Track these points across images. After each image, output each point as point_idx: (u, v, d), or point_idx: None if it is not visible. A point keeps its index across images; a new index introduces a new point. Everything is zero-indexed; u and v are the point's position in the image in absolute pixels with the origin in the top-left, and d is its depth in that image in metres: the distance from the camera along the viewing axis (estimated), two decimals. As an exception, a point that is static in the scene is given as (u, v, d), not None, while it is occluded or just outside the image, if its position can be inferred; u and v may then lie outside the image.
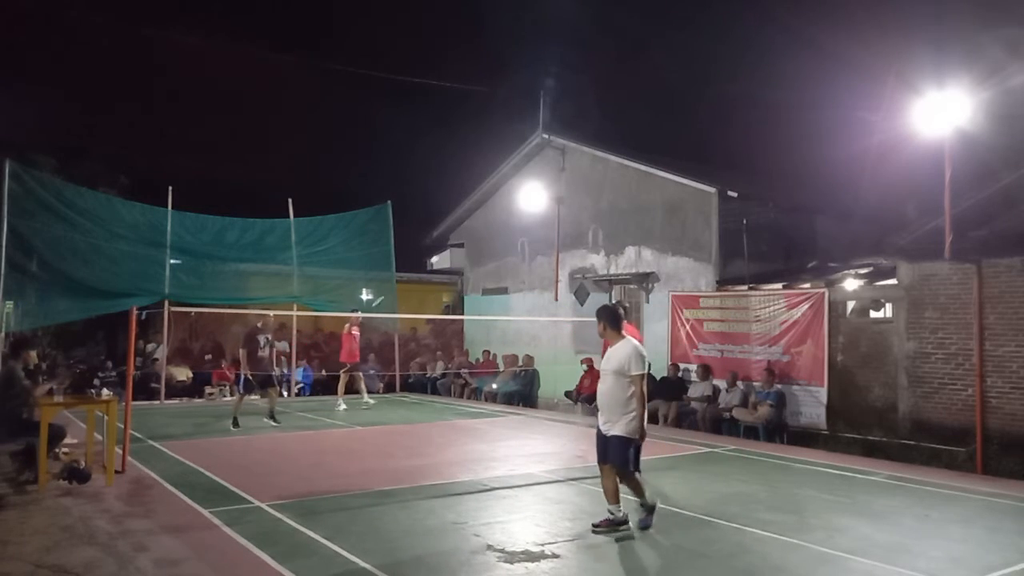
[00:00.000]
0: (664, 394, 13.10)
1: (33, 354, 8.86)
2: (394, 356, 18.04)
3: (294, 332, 16.78)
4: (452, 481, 7.90)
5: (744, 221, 13.75)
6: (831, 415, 11.57)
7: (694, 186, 14.42)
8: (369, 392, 16.45)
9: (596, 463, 6.27)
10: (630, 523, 6.04)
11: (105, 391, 8.92)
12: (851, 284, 12.10)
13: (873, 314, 11.85)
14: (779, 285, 13.01)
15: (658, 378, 13.55)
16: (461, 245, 20.78)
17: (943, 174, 9.60)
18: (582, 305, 15.66)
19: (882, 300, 11.67)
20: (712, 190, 14.07)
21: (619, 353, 5.99)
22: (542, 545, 5.68)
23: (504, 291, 19.16)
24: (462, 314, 20.42)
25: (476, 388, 17.12)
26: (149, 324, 17.15)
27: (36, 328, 14.48)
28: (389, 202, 17.71)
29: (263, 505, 6.67)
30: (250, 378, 11.82)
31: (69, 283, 13.63)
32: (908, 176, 13.54)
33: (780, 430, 11.68)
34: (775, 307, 12.53)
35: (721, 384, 12.79)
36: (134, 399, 11.01)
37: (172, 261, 15.11)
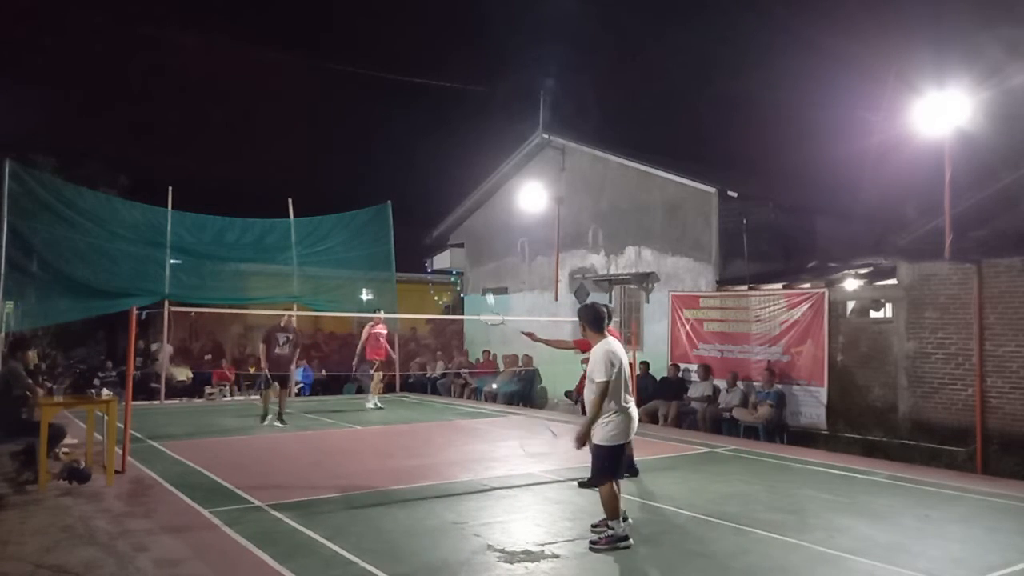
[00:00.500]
0: (664, 394, 13.11)
1: (32, 354, 8.86)
2: (394, 356, 18.04)
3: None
4: (452, 481, 7.90)
5: (744, 221, 13.74)
6: (831, 415, 11.57)
7: (694, 186, 14.42)
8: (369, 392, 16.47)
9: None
10: (631, 539, 5.63)
11: (105, 391, 8.93)
12: (851, 284, 12.11)
13: (873, 314, 11.85)
14: (779, 285, 13.01)
15: (658, 378, 13.58)
16: (461, 245, 20.78)
17: (943, 174, 9.60)
18: (581, 304, 15.64)
19: (882, 300, 11.67)
20: (712, 190, 14.06)
21: (592, 357, 5.71)
22: (542, 545, 5.67)
23: (504, 291, 19.17)
24: (462, 314, 20.43)
25: (476, 388, 17.13)
26: (149, 324, 17.16)
27: (36, 328, 14.49)
28: (389, 202, 17.71)
29: (263, 505, 6.67)
30: (267, 375, 11.93)
31: (69, 283, 13.64)
32: (908, 176, 13.55)
33: (780, 430, 11.68)
34: (775, 307, 12.53)
35: (721, 384, 12.79)
36: (134, 399, 11.01)
37: (172, 261, 15.11)
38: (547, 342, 8.46)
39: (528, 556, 5.41)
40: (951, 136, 9.57)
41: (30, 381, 7.82)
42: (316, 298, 16.80)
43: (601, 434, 5.62)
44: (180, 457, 8.97)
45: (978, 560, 5.49)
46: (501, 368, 17.35)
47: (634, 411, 5.77)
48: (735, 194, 13.99)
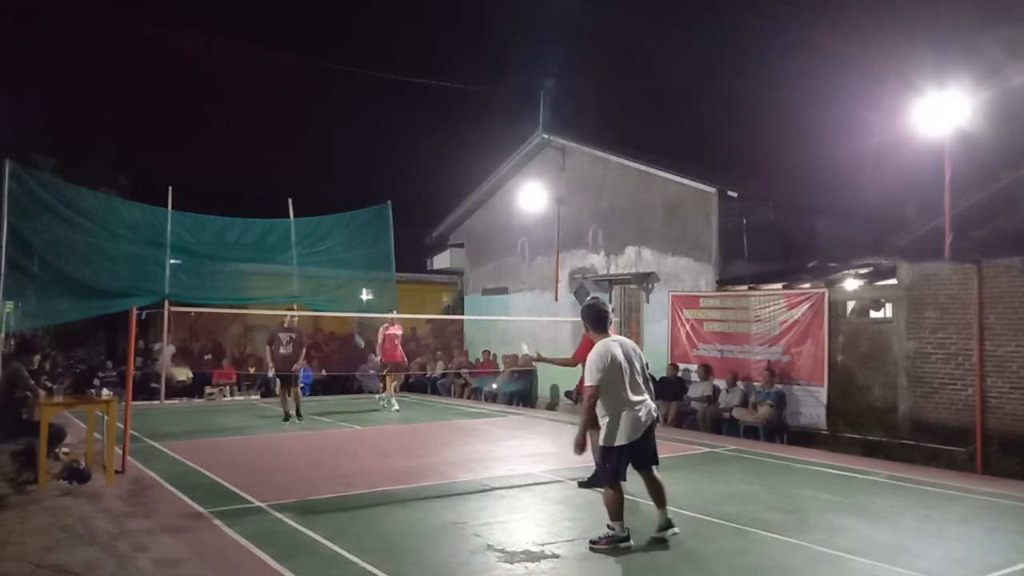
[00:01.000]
0: (664, 394, 13.09)
1: (35, 357, 8.87)
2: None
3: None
4: (452, 481, 7.90)
5: (744, 221, 13.74)
6: (831, 415, 11.57)
7: (694, 186, 14.41)
8: (369, 392, 16.48)
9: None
10: (631, 540, 5.60)
11: (105, 391, 8.93)
12: (851, 284, 12.10)
13: (873, 314, 11.85)
14: (779, 285, 13.01)
15: (658, 378, 13.57)
16: (461, 245, 20.77)
17: (943, 174, 9.60)
18: (582, 305, 15.64)
19: (882, 300, 11.67)
20: (712, 190, 14.06)
21: (588, 358, 5.63)
22: (542, 545, 5.68)
23: (504, 291, 19.16)
24: (462, 314, 20.43)
25: (476, 388, 17.13)
26: (149, 324, 17.16)
27: (36, 328, 14.50)
28: (389, 202, 17.64)
29: (263, 505, 6.68)
30: (273, 376, 12.31)
31: (69, 283, 13.61)
32: (908, 176, 13.55)
33: (780, 430, 11.68)
34: (775, 307, 12.53)
35: (721, 384, 12.79)
36: (134, 399, 11.01)
37: (172, 261, 15.07)
38: (551, 361, 8.77)
39: (528, 556, 5.41)
40: (951, 136, 9.56)
41: (32, 383, 7.83)
42: (316, 298, 16.77)
43: (601, 434, 5.63)
44: (180, 457, 8.97)
45: (978, 560, 5.49)
46: (501, 368, 17.36)
47: (644, 408, 5.59)
48: (735, 194, 13.98)
